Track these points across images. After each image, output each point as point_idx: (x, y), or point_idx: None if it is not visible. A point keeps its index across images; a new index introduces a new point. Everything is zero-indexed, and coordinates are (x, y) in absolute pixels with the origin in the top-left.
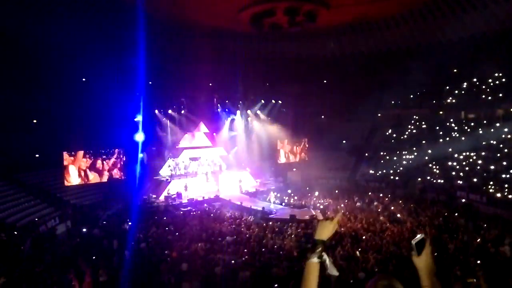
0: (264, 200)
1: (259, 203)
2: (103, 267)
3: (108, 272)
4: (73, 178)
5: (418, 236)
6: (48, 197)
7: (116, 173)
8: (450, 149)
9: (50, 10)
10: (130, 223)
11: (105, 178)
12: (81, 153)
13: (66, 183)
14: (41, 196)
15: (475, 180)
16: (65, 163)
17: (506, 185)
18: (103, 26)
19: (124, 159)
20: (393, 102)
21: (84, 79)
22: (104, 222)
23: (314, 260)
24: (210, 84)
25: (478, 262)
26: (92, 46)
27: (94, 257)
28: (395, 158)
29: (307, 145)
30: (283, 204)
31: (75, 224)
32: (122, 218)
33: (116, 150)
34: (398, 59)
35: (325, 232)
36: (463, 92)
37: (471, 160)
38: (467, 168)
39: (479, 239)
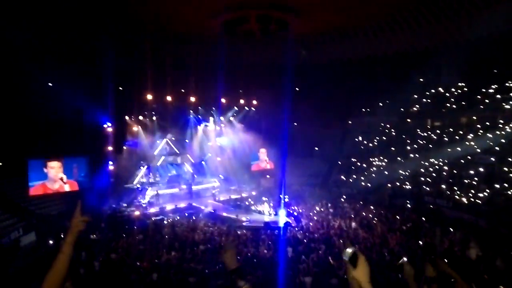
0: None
1: (254, 216)
2: (70, 279)
3: (76, 284)
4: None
5: (348, 250)
6: (12, 207)
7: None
8: (417, 156)
9: (14, 12)
10: (99, 233)
11: (73, 187)
12: (55, 162)
13: (32, 193)
14: (4, 206)
15: (442, 186)
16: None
17: (471, 191)
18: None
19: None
20: (363, 109)
21: (50, 84)
22: None
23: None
24: (182, 90)
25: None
26: (59, 50)
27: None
28: (365, 165)
29: (267, 156)
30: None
31: (40, 235)
32: (91, 228)
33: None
34: (367, 67)
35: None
36: (429, 100)
37: (437, 166)
38: (434, 174)
39: (446, 243)
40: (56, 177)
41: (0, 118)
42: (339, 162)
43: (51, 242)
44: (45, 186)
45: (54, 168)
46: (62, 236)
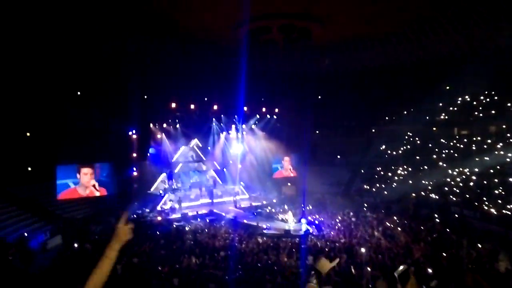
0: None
1: (275, 223)
2: None
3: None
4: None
5: (401, 268)
6: (39, 211)
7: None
8: (445, 165)
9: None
10: None
11: (102, 194)
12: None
13: (61, 197)
14: (32, 210)
15: (468, 196)
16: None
17: (499, 201)
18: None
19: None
20: (387, 118)
21: (79, 93)
22: (97, 237)
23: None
24: (206, 99)
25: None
26: (89, 61)
27: (85, 272)
28: (389, 174)
29: (291, 164)
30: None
31: (66, 238)
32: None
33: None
34: (391, 75)
35: (324, 268)
36: (455, 108)
37: (464, 176)
38: (461, 184)
39: (474, 255)
40: (88, 184)
41: (31, 125)
42: (362, 171)
43: (76, 245)
44: (76, 192)
45: (87, 175)
46: (86, 239)
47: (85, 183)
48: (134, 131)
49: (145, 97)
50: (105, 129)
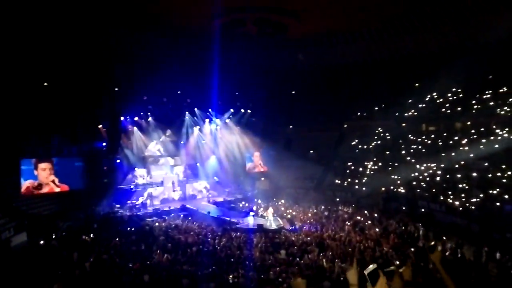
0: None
1: (248, 218)
2: (60, 280)
3: (67, 285)
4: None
5: (371, 267)
6: (3, 207)
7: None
8: (413, 160)
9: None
10: (91, 234)
11: (64, 190)
12: (45, 164)
13: (23, 192)
14: None
15: (434, 190)
16: (35, 172)
17: (463, 195)
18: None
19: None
20: (359, 113)
21: (46, 84)
22: (64, 233)
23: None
24: (179, 92)
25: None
26: (55, 48)
27: (51, 270)
28: (360, 169)
29: (261, 159)
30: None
31: (32, 235)
32: (83, 229)
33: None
34: (364, 71)
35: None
36: (424, 105)
37: (431, 171)
38: (428, 179)
39: (439, 247)
40: (47, 180)
41: None
42: (334, 166)
43: (42, 242)
44: (38, 187)
45: (45, 170)
46: (53, 236)
47: (43, 179)
48: (104, 124)
49: (116, 89)
50: (74, 122)
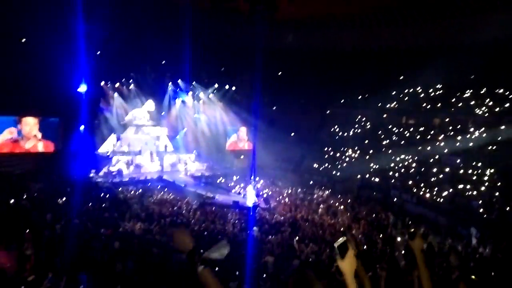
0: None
1: (224, 194)
2: (30, 240)
3: (36, 245)
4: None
5: (340, 239)
6: None
7: (48, 146)
8: (390, 151)
9: None
10: (64, 198)
11: (48, 148)
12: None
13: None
14: None
15: (409, 182)
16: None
17: (435, 188)
18: None
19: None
20: (342, 101)
21: (23, 40)
22: (35, 194)
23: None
24: (163, 62)
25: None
26: (35, 5)
27: (21, 230)
28: (338, 154)
29: (246, 135)
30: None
31: (1, 194)
32: (56, 191)
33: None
34: (350, 59)
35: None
36: (406, 98)
37: (406, 162)
38: (402, 170)
39: (406, 236)
40: (30, 135)
41: None
42: (314, 150)
43: (12, 201)
44: (17, 144)
45: (29, 125)
46: (24, 196)
47: (27, 134)
48: (84, 88)
49: (98, 52)
50: (52, 82)
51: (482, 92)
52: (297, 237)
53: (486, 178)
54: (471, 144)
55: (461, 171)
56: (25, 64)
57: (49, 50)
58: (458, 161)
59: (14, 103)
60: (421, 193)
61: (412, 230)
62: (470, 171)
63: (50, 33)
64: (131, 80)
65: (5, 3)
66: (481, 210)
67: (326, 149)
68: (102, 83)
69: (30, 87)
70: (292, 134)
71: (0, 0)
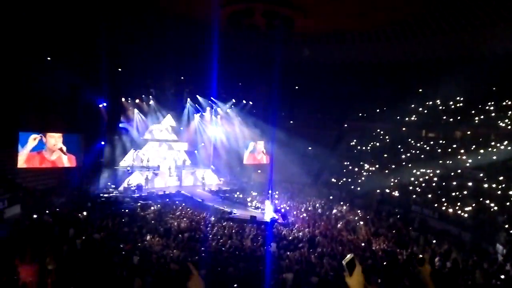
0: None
1: (242, 209)
2: (52, 255)
3: (57, 260)
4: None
5: (348, 256)
6: None
7: (72, 160)
8: (410, 165)
9: None
10: (85, 213)
11: (71, 162)
12: (55, 133)
13: (21, 165)
14: None
15: (429, 196)
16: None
17: (457, 203)
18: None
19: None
20: (360, 114)
21: (49, 58)
22: (57, 209)
23: None
24: (182, 78)
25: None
26: (59, 25)
27: (43, 244)
28: (356, 169)
29: (264, 149)
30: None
31: (25, 208)
32: (77, 206)
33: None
34: (368, 72)
35: None
36: (426, 111)
37: (427, 177)
38: (423, 184)
39: (428, 252)
40: (54, 147)
41: None
42: (332, 164)
43: (35, 216)
44: (42, 156)
45: (54, 138)
46: (46, 211)
47: (52, 146)
48: (105, 104)
49: (119, 70)
50: (74, 99)
51: (504, 104)
52: (315, 253)
53: (511, 192)
54: (494, 157)
55: (485, 186)
56: (49, 82)
57: (72, 68)
58: (481, 175)
59: (38, 119)
60: (443, 208)
61: (421, 256)
62: (494, 185)
63: (73, 51)
64: (151, 96)
65: (29, 22)
66: (506, 226)
67: (344, 163)
68: (123, 99)
69: (53, 104)
70: (310, 148)
71: (24, 19)
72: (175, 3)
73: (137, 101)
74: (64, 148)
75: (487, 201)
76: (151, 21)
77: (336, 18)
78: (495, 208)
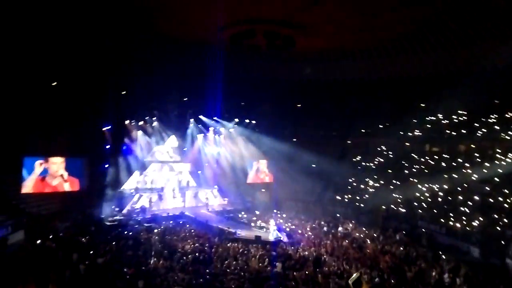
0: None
1: (246, 229)
2: (54, 281)
3: (60, 286)
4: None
5: (354, 276)
6: (2, 204)
7: (74, 184)
8: (415, 180)
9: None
10: (88, 237)
11: (73, 186)
12: (57, 158)
13: (25, 190)
14: None
15: (435, 211)
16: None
17: (464, 218)
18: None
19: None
20: (362, 130)
21: (55, 83)
22: (61, 234)
23: None
24: (185, 99)
25: None
26: (63, 49)
27: (45, 270)
28: (361, 185)
29: (266, 168)
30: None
31: (29, 234)
32: (81, 230)
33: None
34: (369, 89)
35: None
36: (429, 126)
37: (432, 192)
38: (429, 199)
39: (437, 269)
40: (56, 173)
41: None
42: (336, 181)
43: (38, 242)
44: (45, 182)
45: (56, 164)
46: (50, 236)
47: (54, 172)
48: (108, 127)
49: (123, 92)
50: (78, 122)
51: (507, 116)
52: (322, 273)
53: None
54: (499, 170)
55: (491, 200)
56: (53, 106)
57: (76, 92)
58: (488, 188)
59: (42, 144)
60: (451, 223)
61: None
62: (501, 199)
63: (75, 76)
64: (155, 117)
65: (34, 47)
66: None
67: (348, 179)
68: (127, 121)
69: (57, 128)
70: (314, 165)
71: (30, 44)
72: (176, 27)
73: (140, 123)
74: (65, 175)
75: (495, 215)
76: (154, 44)
77: (336, 37)
78: (504, 221)
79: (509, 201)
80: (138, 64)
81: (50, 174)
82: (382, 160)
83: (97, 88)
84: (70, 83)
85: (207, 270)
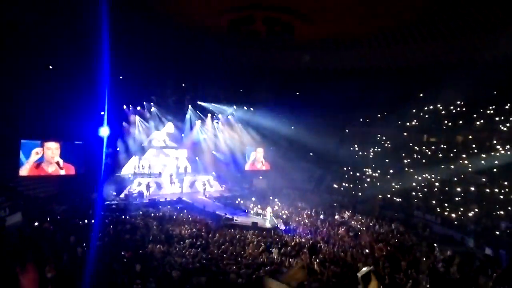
0: (240, 210)
1: (243, 215)
2: (52, 262)
3: (57, 268)
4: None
5: (364, 269)
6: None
7: (69, 171)
8: (411, 170)
9: None
10: (86, 220)
11: (69, 171)
12: (52, 143)
13: (22, 173)
14: None
15: (432, 202)
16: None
17: (460, 208)
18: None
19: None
20: (361, 119)
21: (51, 67)
22: (59, 217)
23: None
24: (183, 85)
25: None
26: (60, 33)
27: (43, 252)
28: (358, 174)
29: (263, 156)
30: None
31: (27, 216)
32: (78, 214)
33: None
34: (368, 77)
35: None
36: (427, 116)
37: (428, 182)
38: (425, 189)
39: (431, 258)
40: (52, 159)
41: None
42: (333, 169)
43: (36, 224)
44: (40, 168)
45: (51, 149)
46: (47, 218)
47: (49, 158)
48: (106, 112)
49: (120, 77)
50: (75, 106)
51: (505, 107)
52: (317, 260)
53: None
54: (496, 161)
55: (487, 190)
56: (50, 90)
57: (72, 76)
58: (484, 180)
59: (39, 128)
60: (446, 213)
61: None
62: (496, 190)
63: (74, 59)
64: (152, 103)
65: (31, 32)
66: (509, 231)
67: (345, 168)
68: (124, 106)
69: (53, 112)
70: (311, 153)
71: (26, 30)
72: (174, 11)
73: (138, 108)
74: (61, 162)
75: (490, 206)
76: (151, 28)
77: (336, 24)
78: (499, 212)
79: (505, 192)
80: (135, 48)
81: (46, 161)
82: (379, 149)
83: (95, 72)
84: (65, 67)
85: (204, 255)
